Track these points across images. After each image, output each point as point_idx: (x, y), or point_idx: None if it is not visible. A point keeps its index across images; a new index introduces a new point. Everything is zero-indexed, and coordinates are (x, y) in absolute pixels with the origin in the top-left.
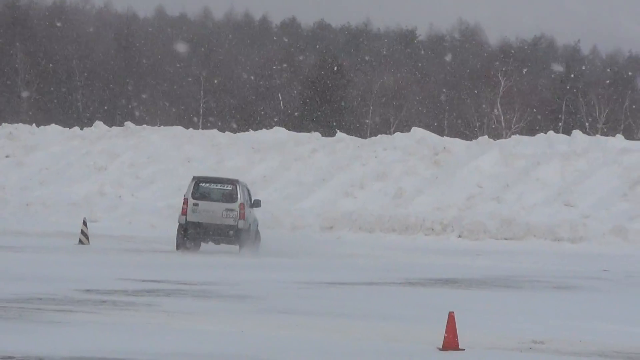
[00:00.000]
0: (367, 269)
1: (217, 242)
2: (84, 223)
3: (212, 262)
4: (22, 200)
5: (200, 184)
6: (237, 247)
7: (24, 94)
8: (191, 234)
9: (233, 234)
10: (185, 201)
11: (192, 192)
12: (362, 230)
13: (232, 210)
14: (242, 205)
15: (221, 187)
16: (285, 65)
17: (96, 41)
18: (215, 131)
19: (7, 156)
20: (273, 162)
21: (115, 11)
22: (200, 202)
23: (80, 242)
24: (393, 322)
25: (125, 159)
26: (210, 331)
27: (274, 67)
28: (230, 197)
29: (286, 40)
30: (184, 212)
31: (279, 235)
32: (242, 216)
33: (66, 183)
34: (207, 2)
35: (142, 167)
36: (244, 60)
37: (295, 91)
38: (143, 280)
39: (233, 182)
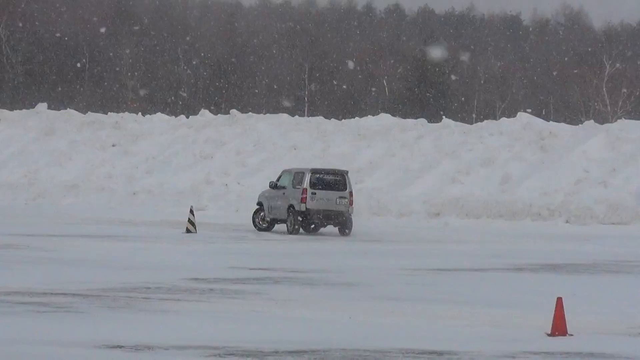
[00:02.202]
0: (474, 255)
1: (340, 228)
2: (191, 211)
3: (318, 249)
4: (129, 189)
5: (316, 175)
6: (339, 230)
7: (130, 83)
8: (310, 219)
9: (344, 219)
10: (305, 190)
11: (310, 182)
12: (468, 217)
13: (344, 197)
14: (351, 194)
15: (333, 177)
16: (389, 51)
17: (201, 29)
18: (320, 118)
19: (113, 145)
20: (378, 148)
21: (219, 0)
22: (318, 191)
23: (188, 230)
24: (501, 308)
25: (231, 147)
26: (317, 319)
27: (379, 54)
28: (342, 186)
29: (390, 26)
30: (303, 200)
31: (386, 222)
32: (351, 203)
33: (172, 172)
34: None
35: (248, 155)
36: (348, 47)
37: (399, 77)
38: (251, 269)
39: (343, 173)
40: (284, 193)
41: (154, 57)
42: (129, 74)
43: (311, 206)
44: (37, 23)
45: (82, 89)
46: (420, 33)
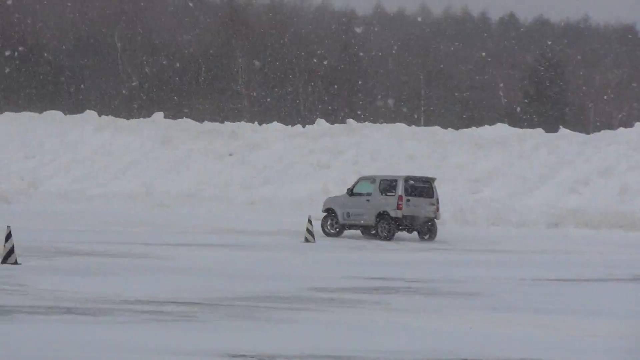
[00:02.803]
0: (593, 266)
1: (422, 234)
2: (309, 221)
3: (433, 258)
4: (246, 199)
5: (409, 182)
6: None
7: (244, 91)
8: (403, 225)
9: (431, 225)
10: (400, 197)
11: (404, 189)
12: (587, 227)
13: (432, 204)
14: (438, 200)
15: (423, 185)
16: (505, 61)
17: (315, 39)
18: (437, 128)
19: (230, 154)
20: (496, 158)
21: (334, 9)
22: (411, 198)
23: (306, 240)
24: (623, 319)
25: (348, 157)
26: (437, 329)
27: (494, 63)
28: (431, 193)
29: (505, 35)
30: (399, 207)
31: (504, 232)
32: (437, 209)
33: (289, 181)
34: None
35: (365, 164)
36: (464, 56)
37: (516, 87)
38: (370, 278)
39: (430, 180)
40: (367, 200)
41: (269, 66)
42: (245, 83)
43: (406, 212)
44: (152, 32)
45: (198, 97)
46: (536, 42)
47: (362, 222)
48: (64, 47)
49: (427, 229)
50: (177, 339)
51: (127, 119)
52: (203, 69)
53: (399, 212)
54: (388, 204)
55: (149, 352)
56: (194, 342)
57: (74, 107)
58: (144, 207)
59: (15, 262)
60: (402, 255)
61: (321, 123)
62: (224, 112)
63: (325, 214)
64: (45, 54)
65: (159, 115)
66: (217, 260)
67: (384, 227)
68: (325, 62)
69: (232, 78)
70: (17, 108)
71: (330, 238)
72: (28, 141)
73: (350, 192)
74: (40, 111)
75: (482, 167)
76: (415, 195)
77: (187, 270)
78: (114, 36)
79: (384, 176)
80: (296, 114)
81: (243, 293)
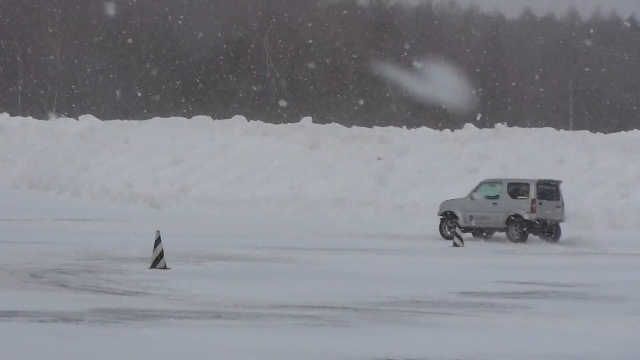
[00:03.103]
0: None
1: (547, 236)
2: (458, 225)
3: (582, 263)
4: (395, 203)
5: (540, 185)
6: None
7: (393, 95)
8: (535, 228)
9: (557, 228)
10: (534, 201)
11: (537, 192)
12: None
13: (559, 207)
14: (562, 203)
15: (550, 187)
16: None
17: (463, 43)
18: (586, 132)
19: (379, 159)
20: None
21: (482, 13)
22: (543, 201)
23: (455, 244)
24: None
25: (496, 161)
26: (586, 333)
27: None
28: (557, 196)
29: None
30: (533, 210)
31: None
32: (563, 211)
33: (438, 185)
34: (574, 2)
35: (513, 168)
36: (613, 59)
37: None
38: (519, 282)
39: (557, 184)
40: (495, 203)
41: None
42: (392, 86)
43: (539, 216)
44: (301, 37)
45: (345, 101)
46: None
47: (490, 224)
48: (213, 52)
49: (552, 231)
50: (325, 343)
51: (276, 123)
52: (352, 72)
53: (532, 215)
54: (520, 207)
55: (297, 356)
56: (341, 346)
57: (222, 112)
58: (292, 212)
59: (165, 267)
60: (551, 259)
61: (469, 127)
62: (372, 116)
63: (442, 217)
64: (191, 59)
65: (307, 120)
66: (364, 264)
67: (516, 230)
68: (472, 67)
69: (380, 82)
70: (166, 113)
71: (478, 242)
72: (177, 146)
73: (472, 196)
74: (189, 116)
75: (631, 171)
76: (545, 199)
77: (335, 274)
78: (262, 41)
79: (511, 179)
80: (444, 118)
81: (390, 297)
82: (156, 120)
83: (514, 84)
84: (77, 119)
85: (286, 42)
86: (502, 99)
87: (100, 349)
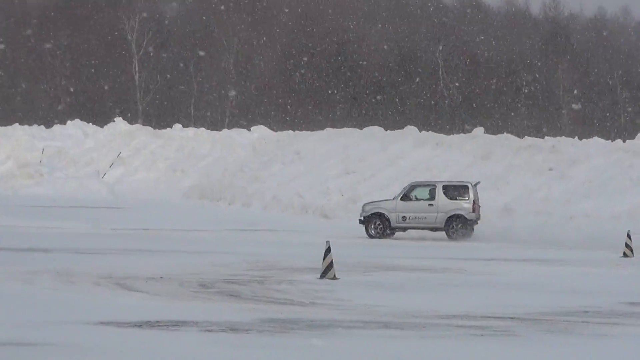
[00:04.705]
0: None
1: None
2: (628, 235)
3: None
4: (566, 213)
5: (474, 187)
6: None
7: (575, 106)
8: (473, 227)
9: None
10: (474, 202)
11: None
12: None
13: (479, 207)
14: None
15: (476, 190)
16: None
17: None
18: None
19: (550, 169)
20: None
21: None
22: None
23: (625, 254)
24: None
25: None
26: None
27: None
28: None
29: None
30: (474, 210)
31: None
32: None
33: (609, 196)
34: None
35: None
36: None
37: None
38: None
39: (476, 184)
40: (431, 204)
41: (591, 80)
42: (565, 98)
43: (478, 215)
44: (471, 47)
45: (518, 112)
46: None
47: (425, 224)
48: (384, 62)
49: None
50: (494, 354)
51: (447, 134)
52: (524, 84)
53: (472, 214)
54: (460, 207)
55: None
56: (509, 356)
57: (394, 122)
58: None
59: (334, 277)
60: None
61: None
62: (544, 126)
63: (367, 218)
64: (360, 71)
65: (479, 131)
66: (534, 274)
67: (459, 229)
68: None
69: (553, 93)
70: (337, 124)
71: None
72: (348, 157)
73: (403, 197)
74: (361, 127)
75: None
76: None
77: (504, 285)
78: (435, 52)
79: (446, 182)
80: (616, 128)
81: (559, 307)
82: (328, 131)
83: None
84: (249, 130)
85: (459, 52)
86: None
87: (269, 358)
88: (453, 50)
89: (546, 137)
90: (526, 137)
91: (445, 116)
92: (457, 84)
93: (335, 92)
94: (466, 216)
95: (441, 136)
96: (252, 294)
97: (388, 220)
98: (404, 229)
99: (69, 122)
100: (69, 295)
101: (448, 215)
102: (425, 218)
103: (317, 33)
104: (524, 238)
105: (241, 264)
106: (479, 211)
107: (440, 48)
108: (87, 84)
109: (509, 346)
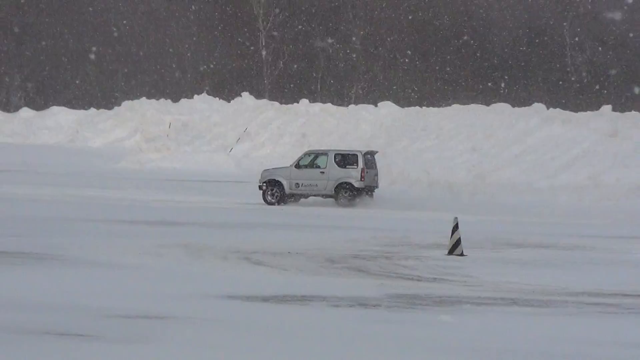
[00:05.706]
0: None
1: (369, 200)
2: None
3: None
4: None
5: (366, 156)
6: None
7: None
8: (362, 195)
9: (372, 193)
10: (363, 170)
11: (364, 162)
12: None
13: (376, 175)
14: (377, 171)
15: (371, 158)
16: None
17: None
18: None
19: None
20: None
21: None
22: (368, 170)
23: None
24: None
25: None
26: None
27: None
28: (375, 165)
29: None
30: (362, 178)
31: None
32: (378, 179)
33: None
34: None
35: None
36: None
37: None
38: None
39: (374, 153)
40: (322, 172)
41: None
42: None
43: (366, 183)
44: (599, 23)
45: None
46: None
47: (316, 192)
48: (512, 39)
49: (371, 196)
50: (623, 332)
51: (575, 111)
52: None
53: (361, 182)
54: (350, 175)
55: (594, 344)
56: (638, 334)
57: (521, 99)
58: (591, 200)
59: (462, 254)
60: None
61: None
62: None
63: (265, 184)
64: (489, 45)
65: (607, 108)
66: None
67: (346, 196)
68: None
69: None
70: (465, 100)
71: None
72: (475, 133)
73: (297, 165)
74: (488, 103)
75: None
76: (368, 168)
77: (633, 263)
78: (562, 27)
79: (338, 150)
80: None
81: None
82: (455, 107)
83: None
84: (375, 106)
85: (587, 29)
86: None
87: (397, 334)
88: (579, 28)
89: None
90: None
91: (572, 93)
92: (584, 61)
93: (462, 68)
94: (354, 184)
95: (568, 113)
96: (379, 269)
97: (283, 187)
98: (298, 196)
99: (196, 96)
100: (197, 269)
101: (337, 183)
102: (317, 185)
103: (444, 10)
104: None
105: (369, 239)
106: (373, 180)
107: (568, 24)
108: (213, 59)
109: (637, 324)
